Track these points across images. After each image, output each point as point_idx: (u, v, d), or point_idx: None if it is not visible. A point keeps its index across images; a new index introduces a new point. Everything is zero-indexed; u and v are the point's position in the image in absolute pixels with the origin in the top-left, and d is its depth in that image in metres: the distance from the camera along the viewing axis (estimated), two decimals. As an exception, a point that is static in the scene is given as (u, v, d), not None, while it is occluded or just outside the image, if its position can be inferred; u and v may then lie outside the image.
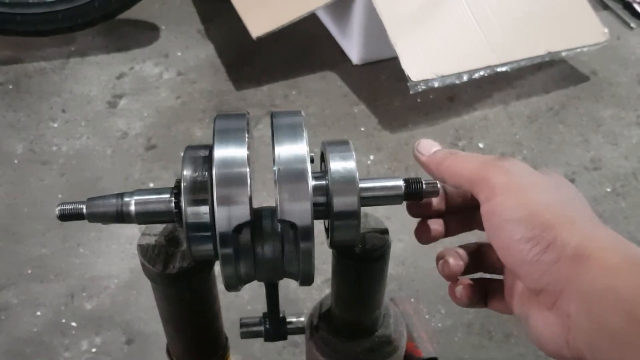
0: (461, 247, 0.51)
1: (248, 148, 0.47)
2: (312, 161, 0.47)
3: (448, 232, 0.53)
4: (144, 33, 2.07)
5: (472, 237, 0.53)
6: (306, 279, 0.50)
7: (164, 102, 1.83)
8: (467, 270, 0.50)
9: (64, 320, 1.32)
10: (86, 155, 1.67)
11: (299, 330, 0.62)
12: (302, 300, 1.35)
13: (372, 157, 1.67)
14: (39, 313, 1.34)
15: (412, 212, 0.53)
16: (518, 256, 0.40)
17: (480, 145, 1.71)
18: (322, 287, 1.35)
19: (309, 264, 0.48)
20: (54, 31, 1.89)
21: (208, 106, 1.81)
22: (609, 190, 1.61)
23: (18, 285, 1.38)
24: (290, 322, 0.62)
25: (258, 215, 0.49)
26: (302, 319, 0.62)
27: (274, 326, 0.60)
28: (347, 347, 0.63)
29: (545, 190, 0.42)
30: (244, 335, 0.62)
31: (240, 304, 1.34)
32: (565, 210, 0.40)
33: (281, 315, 0.61)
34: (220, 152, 0.46)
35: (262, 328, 0.62)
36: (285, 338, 0.62)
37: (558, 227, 0.39)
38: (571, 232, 0.39)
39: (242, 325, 0.62)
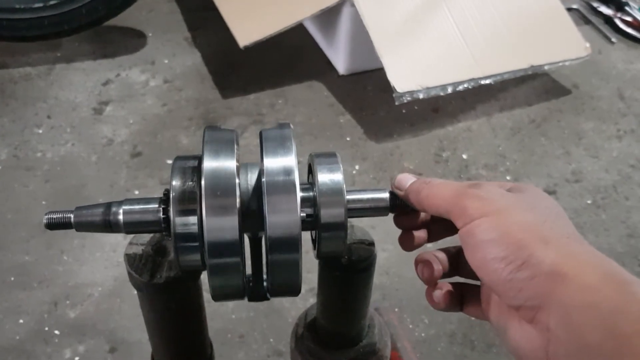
0: (441, 250, 0.51)
1: (237, 160, 0.47)
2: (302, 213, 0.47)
3: (431, 238, 0.54)
4: (131, 40, 2.07)
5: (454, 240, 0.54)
6: (293, 290, 0.50)
7: (150, 110, 1.82)
8: (445, 274, 0.51)
9: (47, 329, 1.31)
10: (71, 162, 1.66)
11: None
12: (287, 310, 1.36)
13: (357, 167, 1.68)
14: (21, 321, 1.32)
15: (399, 225, 0.54)
16: (494, 275, 0.41)
17: (464, 156, 1.73)
18: (306, 296, 1.35)
19: (296, 275, 0.48)
20: (40, 37, 1.88)
21: (194, 114, 1.81)
22: (589, 202, 1.63)
23: (0, 292, 1.37)
24: None
25: (243, 169, 0.49)
26: None
27: (257, 286, 0.60)
28: (332, 356, 0.63)
29: (519, 211, 0.43)
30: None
31: (224, 312, 1.34)
32: (539, 229, 0.42)
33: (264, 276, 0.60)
34: (210, 163, 0.46)
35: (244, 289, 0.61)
36: (268, 298, 0.61)
37: (532, 246, 0.40)
38: (545, 251, 0.40)
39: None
